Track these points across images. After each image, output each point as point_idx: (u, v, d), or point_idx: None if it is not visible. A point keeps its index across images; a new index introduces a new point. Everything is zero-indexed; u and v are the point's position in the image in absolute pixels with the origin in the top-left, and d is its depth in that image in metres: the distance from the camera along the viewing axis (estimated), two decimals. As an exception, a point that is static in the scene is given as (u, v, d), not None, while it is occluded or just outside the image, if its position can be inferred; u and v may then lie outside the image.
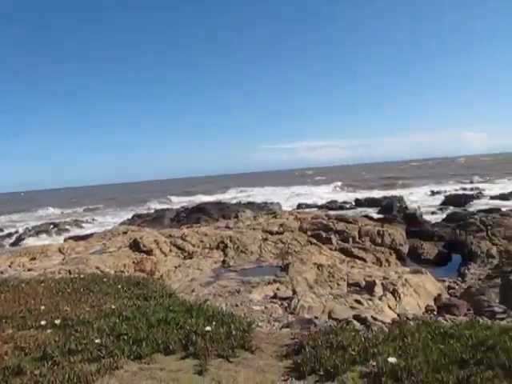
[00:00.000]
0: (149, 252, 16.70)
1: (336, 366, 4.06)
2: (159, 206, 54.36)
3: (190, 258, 16.72)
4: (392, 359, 3.99)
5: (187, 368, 4.32)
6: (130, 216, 43.72)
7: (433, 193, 49.25)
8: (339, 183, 72.24)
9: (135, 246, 17.24)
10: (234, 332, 4.92)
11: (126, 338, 4.88)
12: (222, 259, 16.82)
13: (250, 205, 42.35)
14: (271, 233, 19.87)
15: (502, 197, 38.97)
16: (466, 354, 4.03)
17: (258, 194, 64.78)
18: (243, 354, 4.65)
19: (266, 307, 10.39)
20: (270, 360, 4.56)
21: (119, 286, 7.79)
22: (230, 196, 65.55)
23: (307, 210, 36.02)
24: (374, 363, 4.06)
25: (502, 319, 10.14)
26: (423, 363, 3.92)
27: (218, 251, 17.63)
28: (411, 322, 5.62)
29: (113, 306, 6.23)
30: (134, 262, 15.60)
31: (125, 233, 21.45)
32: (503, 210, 27.27)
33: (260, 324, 7.84)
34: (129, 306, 6.28)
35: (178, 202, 61.91)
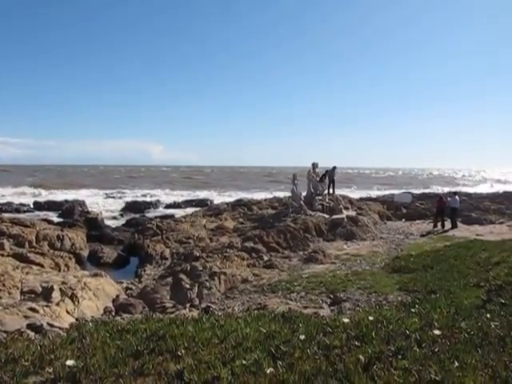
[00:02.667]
0: None
1: (3, 383, 3.68)
2: None
3: None
4: (70, 362, 3.89)
5: None
6: None
7: (108, 197, 50.79)
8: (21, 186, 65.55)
9: None
10: None
11: None
12: None
13: None
14: None
15: (176, 205, 43.05)
16: (141, 346, 4.29)
17: None
18: None
19: None
20: None
21: None
22: None
23: (-25, 212, 31.49)
24: (51, 370, 3.87)
25: (172, 313, 11.17)
26: (101, 360, 3.97)
27: None
28: (90, 324, 5.60)
29: None
30: None
31: None
32: (176, 216, 30.12)
33: None
34: None
35: None
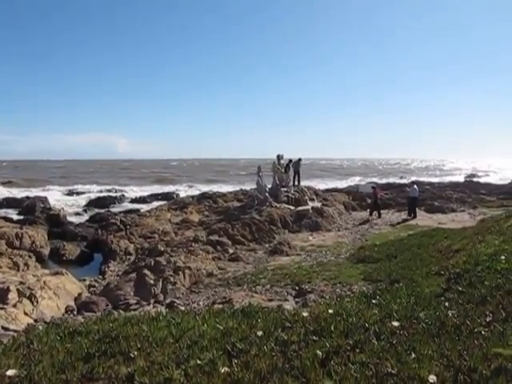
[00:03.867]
0: None
1: None
2: None
3: None
4: (11, 371, 3.62)
5: None
6: None
7: (71, 193, 49.56)
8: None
9: None
10: None
11: None
12: None
13: None
14: None
15: (142, 200, 42.35)
16: (92, 348, 4.09)
17: None
18: None
19: None
20: None
21: None
22: None
23: None
24: (-13, 382, 3.61)
25: (136, 309, 10.96)
26: (48, 367, 3.75)
27: None
28: (40, 327, 5.34)
29: None
30: None
31: None
32: (142, 210, 29.67)
33: None
34: None
35: None
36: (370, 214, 23.74)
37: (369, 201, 30.33)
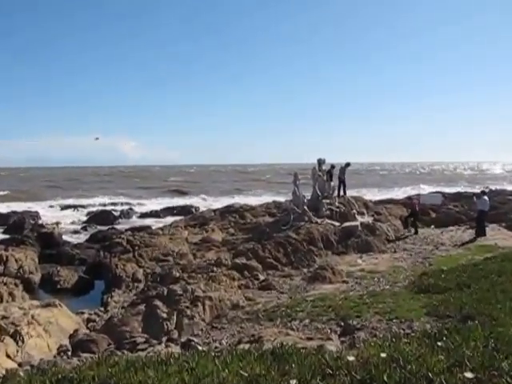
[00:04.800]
0: None
1: None
2: None
3: None
4: None
5: None
6: None
7: (68, 206, 50.58)
8: None
9: None
10: None
11: None
12: None
13: None
14: None
15: (153, 214, 42.87)
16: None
17: None
18: None
19: None
20: None
21: None
22: None
23: None
24: None
25: (144, 349, 10.96)
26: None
27: None
28: (22, 373, 5.36)
29: None
30: None
31: None
32: (153, 228, 29.99)
33: None
34: None
35: None
36: (405, 227, 24.50)
37: (433, 215, 29.91)
